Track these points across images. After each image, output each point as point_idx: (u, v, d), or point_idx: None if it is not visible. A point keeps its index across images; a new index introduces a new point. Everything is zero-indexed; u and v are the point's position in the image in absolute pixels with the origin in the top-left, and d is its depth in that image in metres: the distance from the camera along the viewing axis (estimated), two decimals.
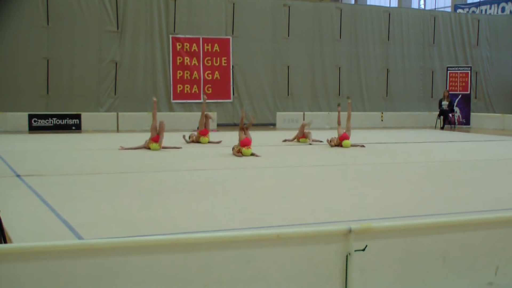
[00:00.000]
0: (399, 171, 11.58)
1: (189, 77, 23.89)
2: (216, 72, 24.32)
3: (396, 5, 38.47)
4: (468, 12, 32.15)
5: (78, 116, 21.30)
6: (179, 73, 23.72)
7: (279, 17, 25.22)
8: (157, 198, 8.31)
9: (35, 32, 21.86)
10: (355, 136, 15.32)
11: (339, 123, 15.90)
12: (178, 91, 23.83)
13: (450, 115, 24.50)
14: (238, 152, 13.37)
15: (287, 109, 25.09)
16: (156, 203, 7.91)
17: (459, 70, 25.96)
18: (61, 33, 22.18)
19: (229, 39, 24.50)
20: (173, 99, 23.68)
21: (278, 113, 24.33)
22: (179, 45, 23.75)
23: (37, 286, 3.48)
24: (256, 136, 15.94)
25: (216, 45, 24.29)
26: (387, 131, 22.89)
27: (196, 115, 22.92)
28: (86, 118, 21.42)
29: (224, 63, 24.46)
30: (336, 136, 15.57)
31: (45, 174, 10.40)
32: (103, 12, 22.70)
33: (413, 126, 25.34)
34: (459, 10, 32.79)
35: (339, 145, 15.39)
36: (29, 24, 21.76)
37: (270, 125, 24.16)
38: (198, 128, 16.94)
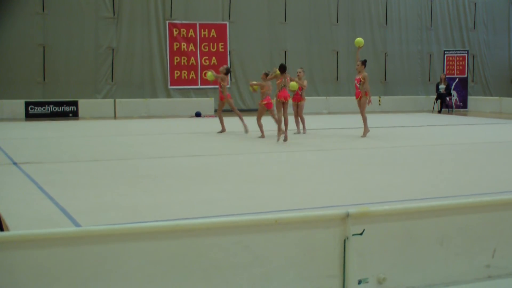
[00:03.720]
0: (397, 155, 11.59)
1: (186, 63, 23.83)
2: (213, 58, 24.25)
3: None
4: None
5: (75, 103, 21.25)
6: (176, 59, 23.65)
7: (275, 2, 25.09)
8: (156, 184, 8.31)
9: (30, 19, 21.75)
10: (354, 121, 15.27)
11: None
12: (176, 77, 23.77)
13: (448, 98, 24.49)
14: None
15: None
16: (155, 190, 7.91)
17: (456, 53, 25.91)
18: (57, 19, 22.08)
19: (226, 24, 24.41)
20: (170, 85, 23.63)
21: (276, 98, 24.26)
22: (175, 31, 23.66)
23: (35, 274, 3.48)
24: (252, 121, 15.91)
25: (213, 30, 24.20)
26: (385, 115, 22.89)
27: (194, 101, 22.96)
28: (83, 105, 21.38)
29: (221, 48, 24.40)
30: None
31: (42, 161, 10.39)
32: None
33: (411, 110, 25.35)
34: None
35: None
36: (24, 11, 21.64)
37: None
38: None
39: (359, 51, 14.59)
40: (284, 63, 14.10)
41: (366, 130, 14.40)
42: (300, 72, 15.47)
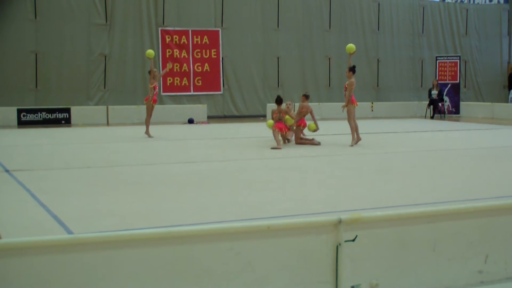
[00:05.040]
0: (389, 161, 11.60)
1: (178, 70, 23.83)
2: (206, 64, 24.27)
3: None
4: (456, 1, 32.20)
5: (67, 110, 21.18)
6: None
7: (268, 8, 25.17)
8: (148, 191, 8.29)
9: (23, 26, 21.71)
10: (346, 127, 15.25)
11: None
12: (168, 84, 23.76)
13: (440, 104, 24.57)
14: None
15: None
16: (147, 197, 7.89)
17: (448, 59, 26.02)
18: (49, 26, 22.05)
19: (218, 31, 24.44)
20: (163, 92, 23.62)
21: (269, 105, 24.24)
22: (168, 37, 23.67)
23: (27, 282, 3.46)
24: (245, 127, 15.94)
25: (205, 37, 24.22)
26: (377, 121, 22.94)
27: (187, 107, 22.94)
28: (76, 112, 21.31)
29: (214, 55, 24.41)
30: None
31: (34, 168, 10.35)
32: (92, 5, 22.57)
33: (403, 115, 25.41)
34: (448, 0, 32.79)
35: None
36: (16, 18, 21.61)
37: (260, 117, 24.15)
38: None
39: (351, 57, 14.27)
40: (280, 95, 14.14)
41: (357, 139, 13.87)
42: (289, 105, 14.54)
